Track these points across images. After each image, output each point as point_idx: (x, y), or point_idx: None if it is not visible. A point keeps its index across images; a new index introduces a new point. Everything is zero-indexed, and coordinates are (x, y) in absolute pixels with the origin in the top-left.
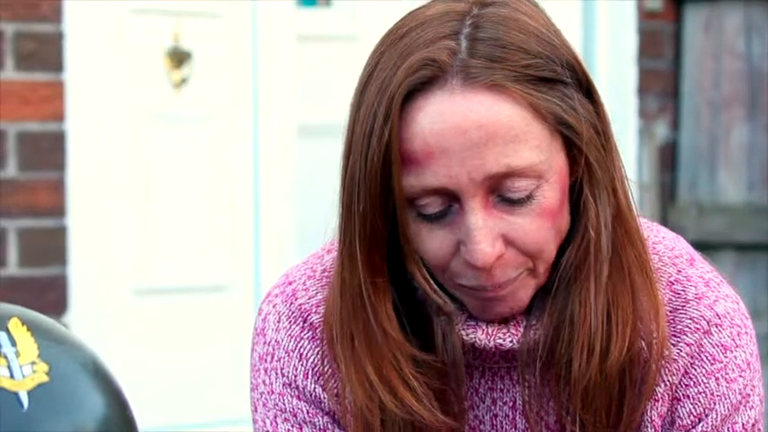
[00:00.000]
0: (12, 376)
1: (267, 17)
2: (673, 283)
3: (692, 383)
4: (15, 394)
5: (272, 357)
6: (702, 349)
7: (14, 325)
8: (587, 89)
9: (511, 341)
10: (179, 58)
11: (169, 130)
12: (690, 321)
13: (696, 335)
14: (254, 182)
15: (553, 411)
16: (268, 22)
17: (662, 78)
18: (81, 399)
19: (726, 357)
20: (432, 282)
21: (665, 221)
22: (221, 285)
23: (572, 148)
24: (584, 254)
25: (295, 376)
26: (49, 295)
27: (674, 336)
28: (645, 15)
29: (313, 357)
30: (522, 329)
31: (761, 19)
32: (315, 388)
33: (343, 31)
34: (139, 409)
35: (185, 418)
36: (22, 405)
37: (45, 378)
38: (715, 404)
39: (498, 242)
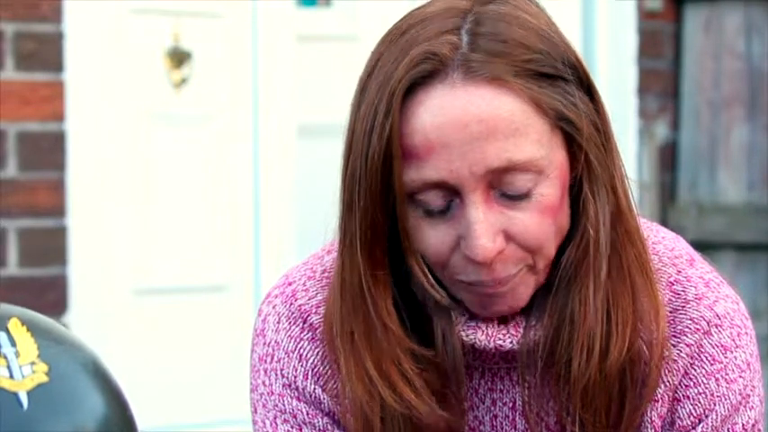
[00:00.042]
0: (11, 376)
1: (267, 17)
2: (673, 284)
3: (691, 384)
4: (15, 394)
5: (272, 358)
6: (702, 350)
7: (14, 325)
8: (588, 88)
9: (511, 342)
10: (179, 58)
11: (169, 130)
12: (690, 322)
13: (696, 335)
14: (254, 182)
15: (553, 412)
16: (268, 22)
17: (662, 78)
18: (81, 399)
19: (726, 358)
20: (429, 276)
21: (665, 221)
22: (221, 285)
23: (572, 145)
24: (583, 252)
25: (295, 377)
26: (49, 295)
27: (674, 336)
28: (645, 15)
29: (313, 358)
30: (521, 330)
31: (761, 19)
32: (314, 389)
33: (343, 31)
34: (139, 409)
35: (185, 418)
36: (21, 405)
37: (45, 378)
38: (715, 405)
39: (499, 237)
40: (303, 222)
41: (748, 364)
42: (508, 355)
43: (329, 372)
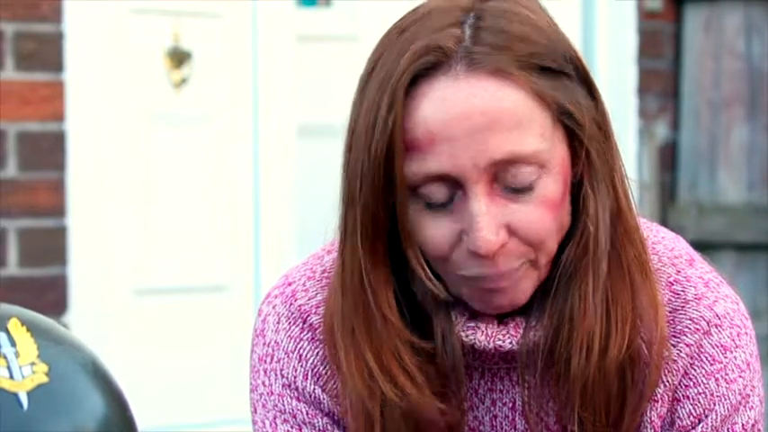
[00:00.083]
0: (11, 377)
1: (267, 17)
2: (672, 284)
3: (691, 384)
4: (15, 395)
5: (272, 358)
6: (702, 350)
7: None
8: (588, 86)
9: (510, 342)
10: (179, 58)
11: (169, 130)
12: (689, 322)
13: (696, 335)
14: (254, 182)
15: (553, 412)
16: (268, 22)
17: (662, 78)
18: (81, 399)
19: (725, 358)
20: (427, 270)
21: (665, 221)
22: (221, 285)
23: (573, 142)
24: (583, 249)
25: (294, 377)
26: (49, 295)
27: (674, 336)
28: (645, 15)
29: (313, 358)
30: (521, 331)
31: (761, 19)
32: (314, 389)
33: (343, 31)
34: (139, 409)
35: (185, 418)
36: (21, 405)
37: (45, 378)
38: (715, 405)
39: (502, 231)
40: (303, 222)
41: (748, 364)
42: (508, 355)
43: (329, 372)
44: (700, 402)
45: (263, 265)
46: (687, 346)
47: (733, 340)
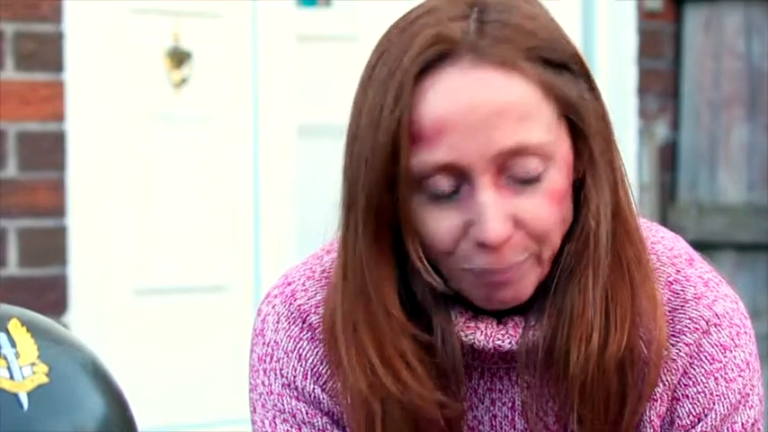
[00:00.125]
0: (11, 377)
1: (267, 17)
2: (671, 283)
3: (691, 383)
4: (15, 395)
5: (271, 358)
6: (701, 349)
7: (14, 326)
8: (589, 83)
9: (510, 342)
10: (179, 58)
11: (169, 130)
12: (689, 321)
13: (695, 335)
14: (254, 182)
15: (552, 412)
16: (268, 22)
17: (662, 78)
18: (81, 399)
19: (725, 357)
20: (426, 263)
21: (665, 221)
22: (221, 285)
23: (576, 137)
24: (583, 244)
25: (294, 377)
26: (49, 295)
27: (673, 336)
28: (645, 15)
29: (312, 358)
30: (520, 330)
31: (761, 19)
32: (314, 388)
33: (343, 31)
34: (139, 409)
35: (185, 418)
36: (21, 406)
37: (45, 379)
38: (714, 404)
39: (508, 222)
40: (303, 222)
41: (747, 364)
42: (507, 355)
43: (328, 371)
44: (699, 402)
45: (263, 265)
46: (686, 345)
47: (732, 339)
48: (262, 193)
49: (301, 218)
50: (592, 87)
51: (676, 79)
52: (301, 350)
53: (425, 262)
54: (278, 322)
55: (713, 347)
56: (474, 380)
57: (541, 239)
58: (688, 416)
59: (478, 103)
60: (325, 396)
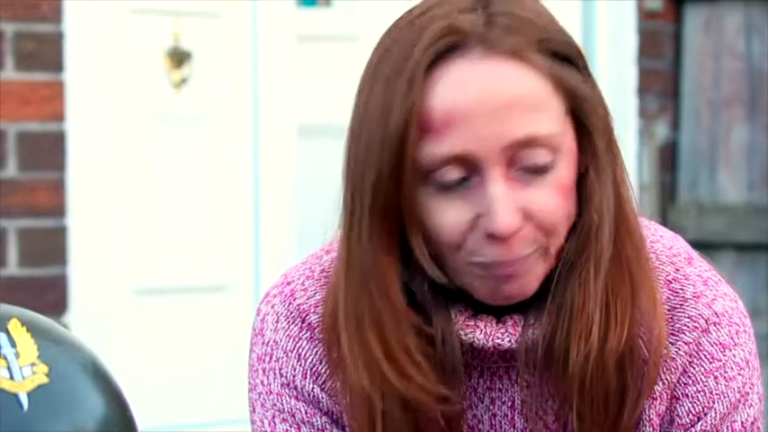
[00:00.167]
0: (11, 377)
1: (267, 17)
2: (671, 282)
3: (690, 382)
4: (15, 395)
5: (271, 358)
6: (701, 348)
7: (14, 326)
8: (591, 81)
9: (509, 341)
10: (179, 58)
11: (169, 130)
12: (688, 320)
13: (694, 333)
14: (254, 182)
15: (552, 411)
16: (268, 22)
17: (662, 78)
18: (81, 399)
19: (724, 356)
20: (428, 256)
21: (664, 221)
22: (221, 285)
23: (580, 134)
24: (585, 238)
25: (293, 376)
26: (49, 295)
27: (673, 334)
28: (645, 15)
29: (311, 357)
30: (520, 329)
31: (761, 19)
32: (313, 388)
33: (343, 31)
34: (139, 409)
35: (185, 418)
36: (21, 406)
37: (45, 379)
38: (714, 403)
39: (518, 214)
40: (303, 222)
41: (747, 362)
42: (507, 354)
43: (327, 371)
44: (699, 400)
45: (263, 265)
46: (686, 343)
47: (732, 338)
48: (262, 193)
49: (301, 218)
50: (593, 84)
51: (676, 79)
52: (300, 350)
53: (428, 256)
54: (277, 322)
55: (713, 346)
56: (474, 379)
57: (549, 232)
58: (688, 415)
59: (489, 95)
60: (324, 395)
